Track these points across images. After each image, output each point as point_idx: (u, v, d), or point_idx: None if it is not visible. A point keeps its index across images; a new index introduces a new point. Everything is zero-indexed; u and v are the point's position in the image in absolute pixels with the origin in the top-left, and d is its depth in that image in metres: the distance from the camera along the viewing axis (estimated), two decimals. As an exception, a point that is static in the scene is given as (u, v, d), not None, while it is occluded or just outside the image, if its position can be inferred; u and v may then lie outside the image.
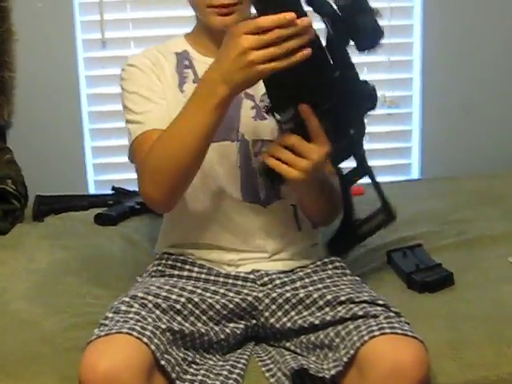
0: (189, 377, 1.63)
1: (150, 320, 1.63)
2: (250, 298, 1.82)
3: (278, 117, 1.66)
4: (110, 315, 1.67)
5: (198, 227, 1.91)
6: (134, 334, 1.56)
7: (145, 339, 1.56)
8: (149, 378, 1.55)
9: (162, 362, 1.57)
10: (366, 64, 3.01)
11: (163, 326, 1.63)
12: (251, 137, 1.87)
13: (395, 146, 3.13)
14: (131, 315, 1.64)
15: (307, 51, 1.48)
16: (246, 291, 1.83)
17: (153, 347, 1.56)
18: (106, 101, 2.96)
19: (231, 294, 1.82)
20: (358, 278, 1.93)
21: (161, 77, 1.90)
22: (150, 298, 1.73)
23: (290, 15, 1.44)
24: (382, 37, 1.61)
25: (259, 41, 1.46)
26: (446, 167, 3.04)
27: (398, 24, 3.00)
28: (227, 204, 1.89)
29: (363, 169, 1.76)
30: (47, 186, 2.78)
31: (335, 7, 1.58)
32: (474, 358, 1.77)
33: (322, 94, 1.63)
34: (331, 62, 1.62)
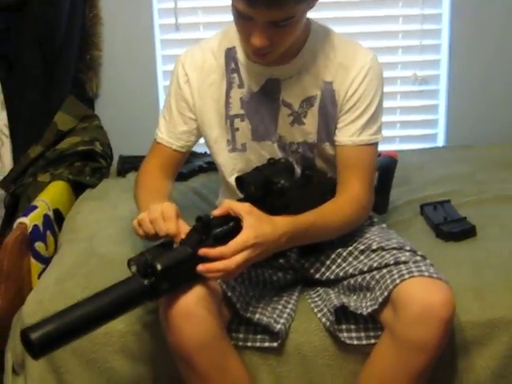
0: (250, 308, 1.63)
1: None
2: (294, 255, 1.79)
3: None
4: None
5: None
6: None
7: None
8: (218, 310, 1.54)
9: (229, 294, 1.56)
10: (400, 47, 2.97)
11: None
12: (288, 139, 1.79)
13: (424, 118, 3.06)
14: None
15: None
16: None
17: (223, 286, 1.55)
18: (178, 76, 2.93)
19: None
20: (384, 226, 1.90)
21: (203, 86, 1.79)
22: None
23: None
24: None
25: None
26: (467, 137, 2.99)
27: (430, 13, 2.93)
28: None
29: None
30: (129, 148, 2.77)
31: None
32: (494, 300, 1.74)
33: None
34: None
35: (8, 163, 2.74)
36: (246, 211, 1.49)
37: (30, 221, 2.05)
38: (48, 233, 2.16)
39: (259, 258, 1.50)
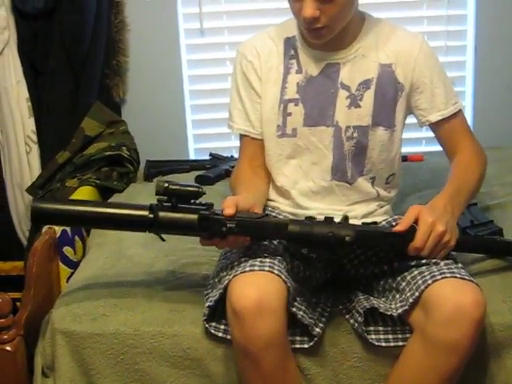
0: (296, 304, 1.62)
1: (276, 261, 1.61)
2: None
3: None
4: (242, 259, 1.62)
5: (287, 194, 1.88)
6: (275, 271, 1.55)
7: (283, 277, 1.55)
8: (286, 307, 1.54)
9: (291, 290, 1.56)
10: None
11: (285, 263, 1.62)
12: (344, 123, 1.82)
13: (451, 119, 3.04)
14: (260, 258, 1.61)
15: None
16: None
17: (288, 284, 1.55)
18: (204, 81, 2.96)
19: None
20: None
21: (263, 70, 1.85)
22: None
23: None
24: None
25: None
26: (493, 138, 2.94)
27: (454, 13, 2.91)
28: (317, 182, 1.85)
29: None
30: (155, 153, 2.79)
31: None
32: (524, 302, 1.72)
33: None
34: None
35: (36, 169, 2.76)
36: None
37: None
38: (76, 237, 2.17)
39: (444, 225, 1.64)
